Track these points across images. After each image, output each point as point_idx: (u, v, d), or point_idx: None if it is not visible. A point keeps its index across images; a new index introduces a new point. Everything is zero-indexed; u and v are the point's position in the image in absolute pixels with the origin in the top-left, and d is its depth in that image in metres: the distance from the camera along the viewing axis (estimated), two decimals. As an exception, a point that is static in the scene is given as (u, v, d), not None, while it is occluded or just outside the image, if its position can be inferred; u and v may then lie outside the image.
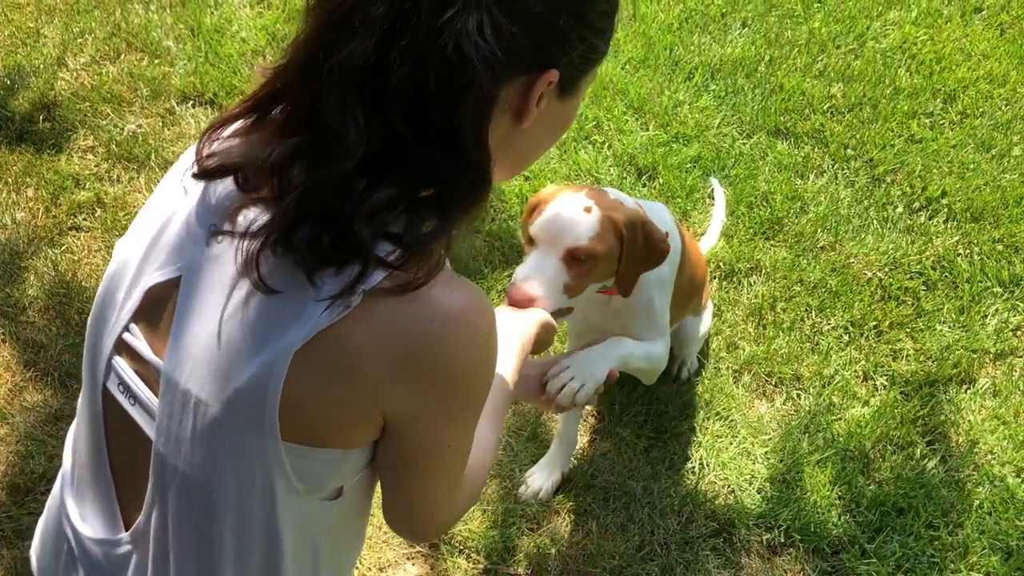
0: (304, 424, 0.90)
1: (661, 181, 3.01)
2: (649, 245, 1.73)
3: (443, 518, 1.10)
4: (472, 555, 2.14)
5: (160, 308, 0.95)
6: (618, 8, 1.00)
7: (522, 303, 1.61)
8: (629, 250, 1.71)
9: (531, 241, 1.72)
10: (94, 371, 1.01)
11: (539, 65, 0.91)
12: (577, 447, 2.34)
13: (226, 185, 0.92)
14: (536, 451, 2.33)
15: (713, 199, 2.88)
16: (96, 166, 2.95)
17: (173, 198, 0.98)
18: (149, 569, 1.00)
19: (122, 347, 0.98)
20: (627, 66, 3.42)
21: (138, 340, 0.97)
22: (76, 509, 1.06)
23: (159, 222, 0.98)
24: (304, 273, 0.85)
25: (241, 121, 0.94)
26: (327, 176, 0.84)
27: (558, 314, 1.67)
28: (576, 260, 1.68)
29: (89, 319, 1.03)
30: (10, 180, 2.88)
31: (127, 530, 1.02)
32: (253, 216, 0.88)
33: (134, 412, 0.98)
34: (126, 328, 0.97)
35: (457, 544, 2.15)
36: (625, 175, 3.03)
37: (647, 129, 3.20)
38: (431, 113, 0.84)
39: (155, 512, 0.98)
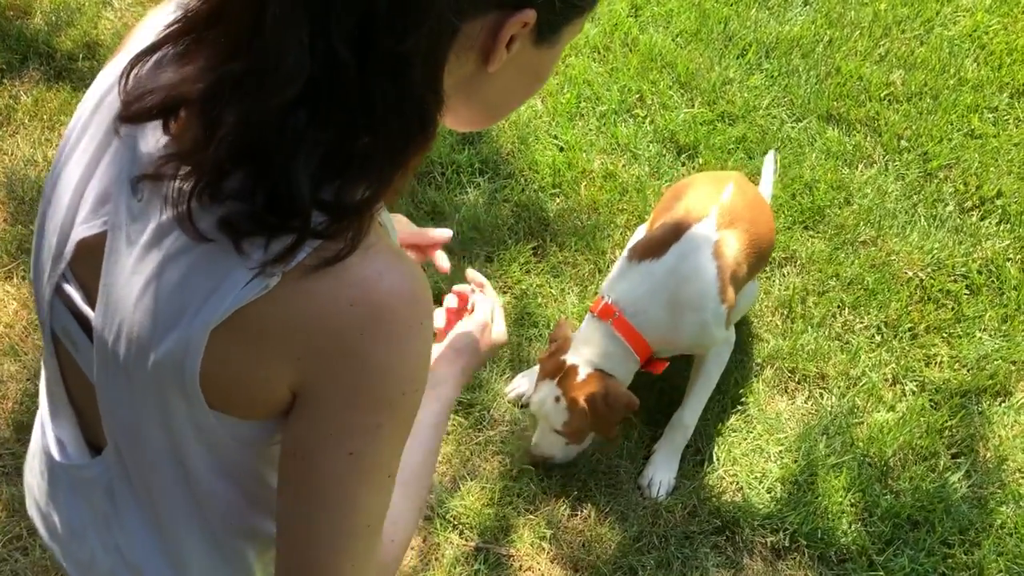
0: (226, 396, 0.85)
1: (701, 161, 2.90)
2: (612, 411, 2.06)
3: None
4: (465, 531, 2.10)
5: (93, 259, 0.89)
6: None
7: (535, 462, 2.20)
8: (595, 419, 2.07)
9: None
10: (41, 313, 0.97)
11: (514, 3, 0.81)
12: (584, 430, 2.29)
13: (155, 128, 0.83)
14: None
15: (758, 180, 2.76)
16: (131, 108, 2.94)
17: (100, 134, 0.90)
18: (116, 495, 1.00)
19: (62, 294, 0.94)
20: (678, 39, 3.30)
21: (75, 291, 0.93)
22: (53, 431, 1.05)
23: (85, 160, 0.91)
24: (231, 239, 0.77)
25: (170, 46, 0.83)
26: (263, 107, 0.74)
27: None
28: (567, 431, 2.11)
29: (31, 259, 0.99)
30: (45, 117, 2.89)
31: (95, 456, 1.01)
32: (179, 167, 0.79)
33: (78, 358, 0.96)
34: (63, 277, 0.93)
35: (451, 519, 2.11)
36: (664, 152, 2.93)
37: (692, 106, 3.08)
38: (379, 38, 0.73)
39: (111, 445, 0.97)
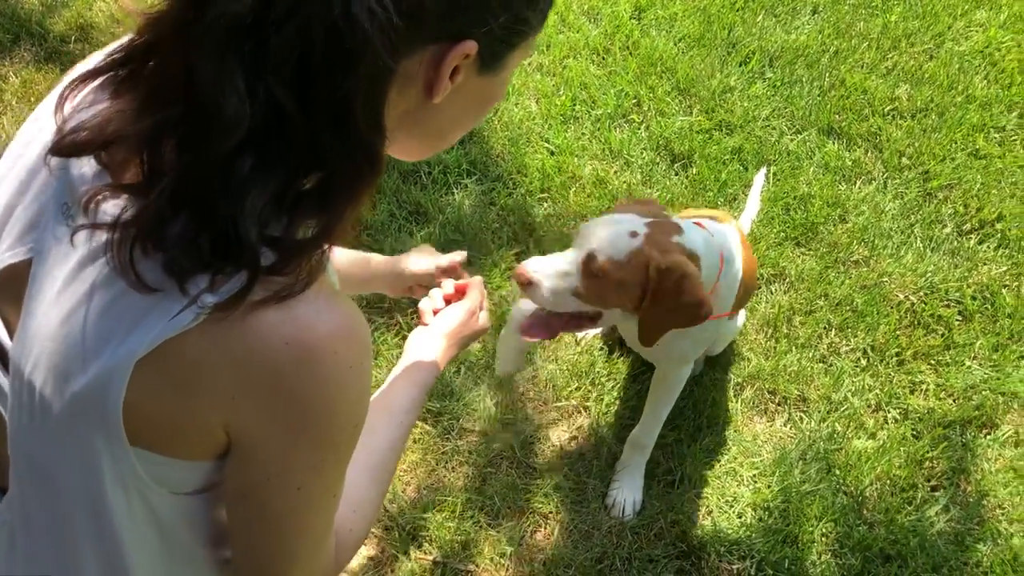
0: (149, 431, 0.83)
1: (695, 171, 2.84)
2: (679, 302, 1.63)
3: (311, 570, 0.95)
4: (425, 544, 2.06)
5: (17, 287, 0.87)
6: None
7: (520, 280, 1.67)
8: (654, 296, 1.62)
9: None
10: None
11: (452, 35, 0.79)
12: (554, 443, 2.24)
13: (89, 159, 0.82)
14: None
15: (748, 193, 2.69)
16: (119, 94, 2.91)
17: (32, 163, 0.88)
18: (17, 540, 0.96)
19: None
20: (680, 43, 3.23)
21: None
22: None
23: (13, 188, 0.89)
24: (176, 281, 0.75)
25: (110, 74, 0.82)
26: (205, 157, 0.73)
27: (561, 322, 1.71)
28: (590, 271, 1.64)
29: None
30: (33, 99, 2.86)
31: (1, 496, 0.98)
32: (116, 205, 0.77)
33: None
34: None
35: (411, 531, 2.07)
36: (658, 160, 2.87)
37: (690, 113, 3.02)
38: (318, 84, 0.72)
39: (16, 488, 0.93)
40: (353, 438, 0.86)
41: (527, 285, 1.66)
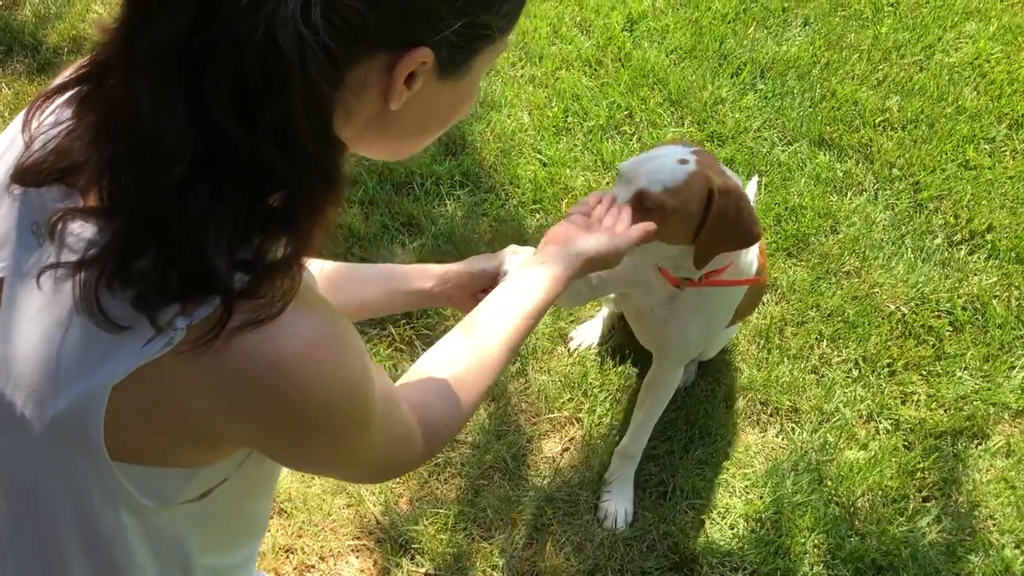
0: (137, 448, 0.82)
1: (687, 182, 2.84)
2: (739, 223, 1.59)
3: (388, 469, 1.05)
4: (417, 556, 2.06)
5: None
6: None
7: None
8: (715, 219, 1.56)
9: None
10: None
11: (401, 43, 0.77)
12: (546, 455, 2.24)
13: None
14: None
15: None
16: (112, 105, 2.91)
17: (3, 179, 0.86)
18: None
19: None
20: (672, 55, 3.25)
21: None
22: None
23: None
24: (147, 318, 0.74)
25: (76, 89, 0.81)
26: (157, 187, 0.72)
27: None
28: (643, 208, 1.53)
29: None
30: (25, 111, 2.86)
31: None
32: (83, 227, 0.77)
33: None
34: None
35: (403, 543, 2.07)
36: (650, 171, 2.88)
37: (682, 124, 3.03)
38: (257, 107, 0.71)
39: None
40: (365, 405, 0.87)
41: None
